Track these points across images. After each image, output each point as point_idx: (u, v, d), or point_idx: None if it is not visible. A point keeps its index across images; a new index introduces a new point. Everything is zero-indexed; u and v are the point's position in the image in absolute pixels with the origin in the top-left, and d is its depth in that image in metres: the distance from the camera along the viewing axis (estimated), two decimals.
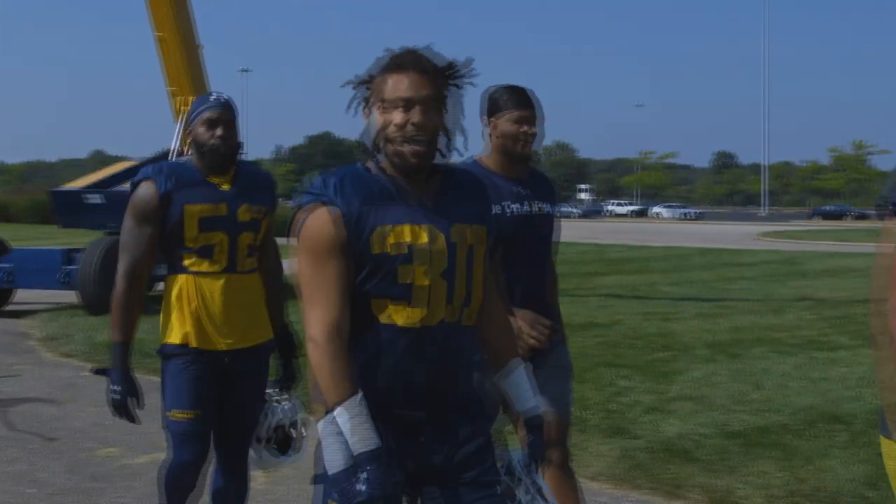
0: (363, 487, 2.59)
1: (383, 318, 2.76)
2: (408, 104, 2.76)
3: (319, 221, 2.75)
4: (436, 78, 2.82)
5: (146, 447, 6.88)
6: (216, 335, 4.17)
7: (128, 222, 4.21)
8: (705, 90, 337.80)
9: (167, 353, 4.20)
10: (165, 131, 17.38)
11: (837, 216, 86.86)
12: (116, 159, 30.53)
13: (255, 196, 4.27)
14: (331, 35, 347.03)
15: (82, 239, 17.74)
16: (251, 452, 4.39)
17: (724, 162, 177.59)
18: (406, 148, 2.75)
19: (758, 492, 5.81)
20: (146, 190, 4.18)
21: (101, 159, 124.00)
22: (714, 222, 73.35)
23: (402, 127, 2.75)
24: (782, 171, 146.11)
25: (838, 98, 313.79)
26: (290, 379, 4.48)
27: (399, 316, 2.75)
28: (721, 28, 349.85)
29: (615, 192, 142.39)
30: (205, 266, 4.15)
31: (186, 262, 4.16)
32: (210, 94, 4.29)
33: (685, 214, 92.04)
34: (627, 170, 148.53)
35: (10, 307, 15.46)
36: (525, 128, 4.07)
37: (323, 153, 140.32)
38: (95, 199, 15.81)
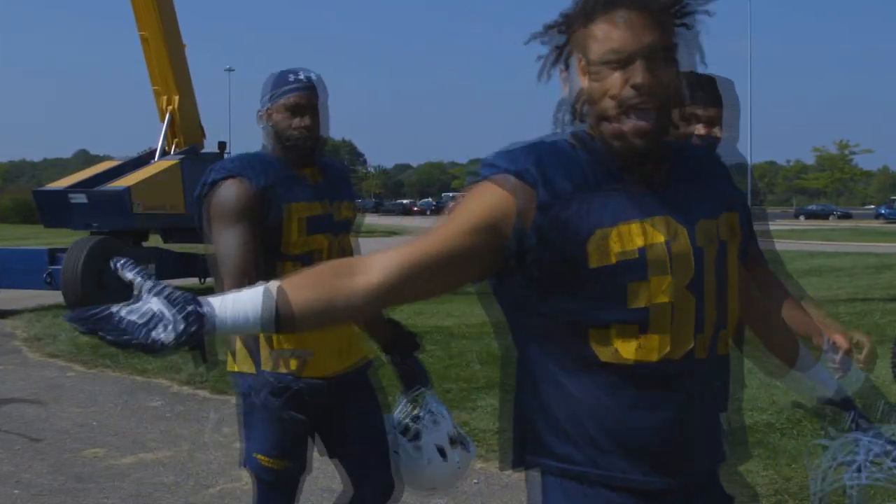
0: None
1: (606, 355, 1.95)
2: (625, 59, 1.90)
3: (492, 194, 1.94)
4: (663, 16, 1.95)
5: (132, 447, 6.88)
6: (318, 359, 3.42)
7: (221, 232, 3.35)
8: None
9: (253, 384, 3.43)
10: (150, 130, 17.37)
11: (822, 216, 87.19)
12: (101, 159, 30.45)
13: (345, 190, 3.64)
14: (315, 34, 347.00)
15: (66, 239, 17.68)
16: (447, 468, 3.64)
17: None
18: (627, 125, 1.91)
19: (743, 490, 5.82)
20: (236, 188, 3.34)
21: (85, 159, 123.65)
22: None
23: (618, 93, 1.90)
24: (767, 170, 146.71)
25: (822, 97, 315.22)
26: (419, 375, 3.76)
27: (629, 348, 1.94)
28: (704, 27, 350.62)
29: None
30: None
31: (282, 273, 3.23)
32: (292, 71, 3.50)
33: None
34: None
35: None
36: (706, 130, 3.25)
37: None
38: (80, 198, 15.77)
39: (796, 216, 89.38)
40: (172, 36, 16.95)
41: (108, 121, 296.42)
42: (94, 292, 14.31)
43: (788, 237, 45.61)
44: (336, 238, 3.52)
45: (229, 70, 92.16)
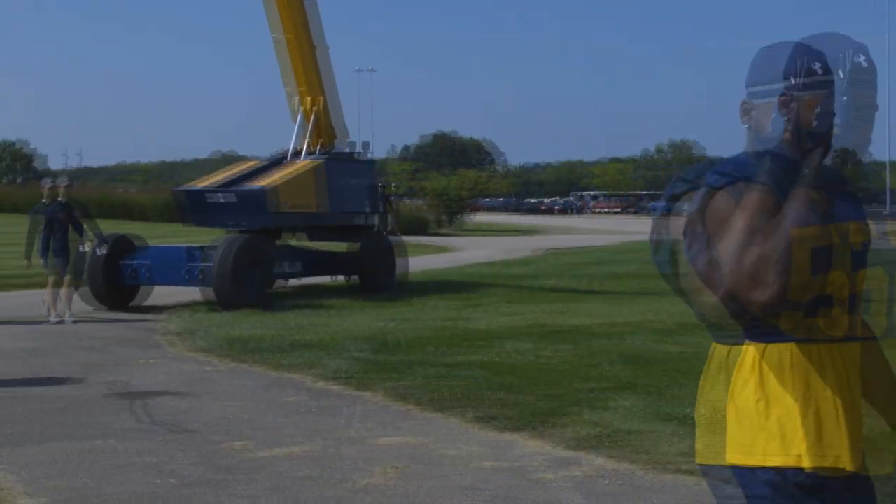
0: None
1: None
2: None
3: None
4: None
5: (273, 441, 7.00)
6: (840, 448, 2.45)
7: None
8: None
9: (749, 482, 2.49)
10: (288, 131, 17.68)
11: None
12: (238, 159, 31.20)
13: (855, 206, 2.62)
14: (451, 35, 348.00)
15: (203, 237, 18.12)
16: None
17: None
18: None
19: None
20: (763, 199, 2.41)
21: (227, 160, 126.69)
22: None
23: None
24: None
25: None
26: None
27: None
28: (843, 23, 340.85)
29: None
30: (834, 328, 2.47)
31: (800, 324, 2.47)
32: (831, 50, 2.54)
33: None
34: None
35: (141, 303, 15.89)
36: None
37: (444, 152, 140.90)
38: (220, 197, 16.16)
39: None
40: (317, 37, 17.31)
41: (245, 122, 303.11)
42: (242, 291, 14.64)
43: None
44: (853, 276, 2.53)
45: (370, 70, 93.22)
